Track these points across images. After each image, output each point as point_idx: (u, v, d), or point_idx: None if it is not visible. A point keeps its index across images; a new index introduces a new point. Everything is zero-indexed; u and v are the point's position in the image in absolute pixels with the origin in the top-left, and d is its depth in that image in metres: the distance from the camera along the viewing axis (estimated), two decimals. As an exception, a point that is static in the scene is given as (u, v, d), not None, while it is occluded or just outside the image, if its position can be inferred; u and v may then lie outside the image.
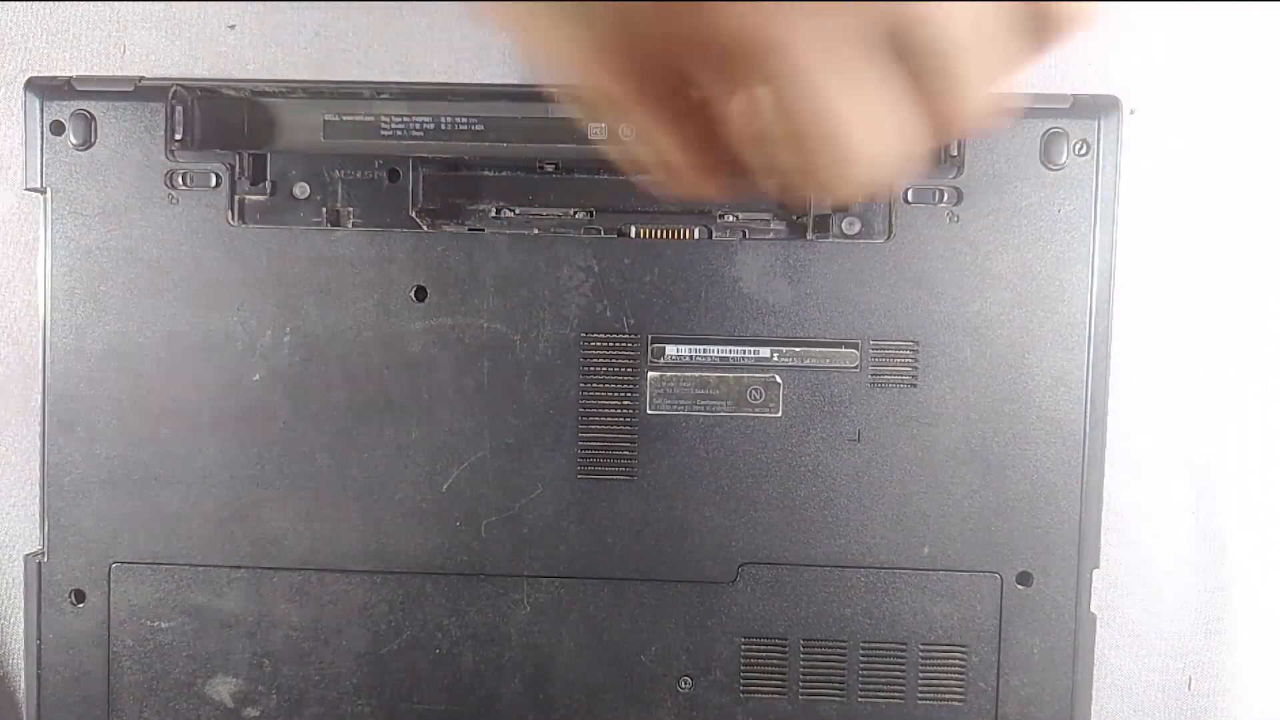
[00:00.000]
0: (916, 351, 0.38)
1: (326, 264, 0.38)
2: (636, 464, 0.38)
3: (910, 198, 0.37)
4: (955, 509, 0.38)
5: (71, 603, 0.39)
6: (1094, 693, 0.38)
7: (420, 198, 0.38)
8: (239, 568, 0.38)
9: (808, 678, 0.38)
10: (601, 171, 0.39)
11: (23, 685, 0.40)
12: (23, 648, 0.39)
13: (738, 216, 0.39)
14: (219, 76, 0.40)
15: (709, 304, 0.38)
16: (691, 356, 0.38)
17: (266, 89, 0.38)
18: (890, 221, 0.37)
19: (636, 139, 0.23)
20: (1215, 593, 0.42)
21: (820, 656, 0.38)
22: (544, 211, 0.39)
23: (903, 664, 0.38)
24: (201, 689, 0.39)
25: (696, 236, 0.38)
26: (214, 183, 0.38)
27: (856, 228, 0.37)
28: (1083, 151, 0.37)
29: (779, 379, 0.38)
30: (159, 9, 0.41)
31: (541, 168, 0.38)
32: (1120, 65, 0.41)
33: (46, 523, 0.38)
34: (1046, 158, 0.37)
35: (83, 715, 0.39)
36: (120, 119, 0.38)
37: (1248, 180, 0.41)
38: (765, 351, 0.38)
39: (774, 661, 0.38)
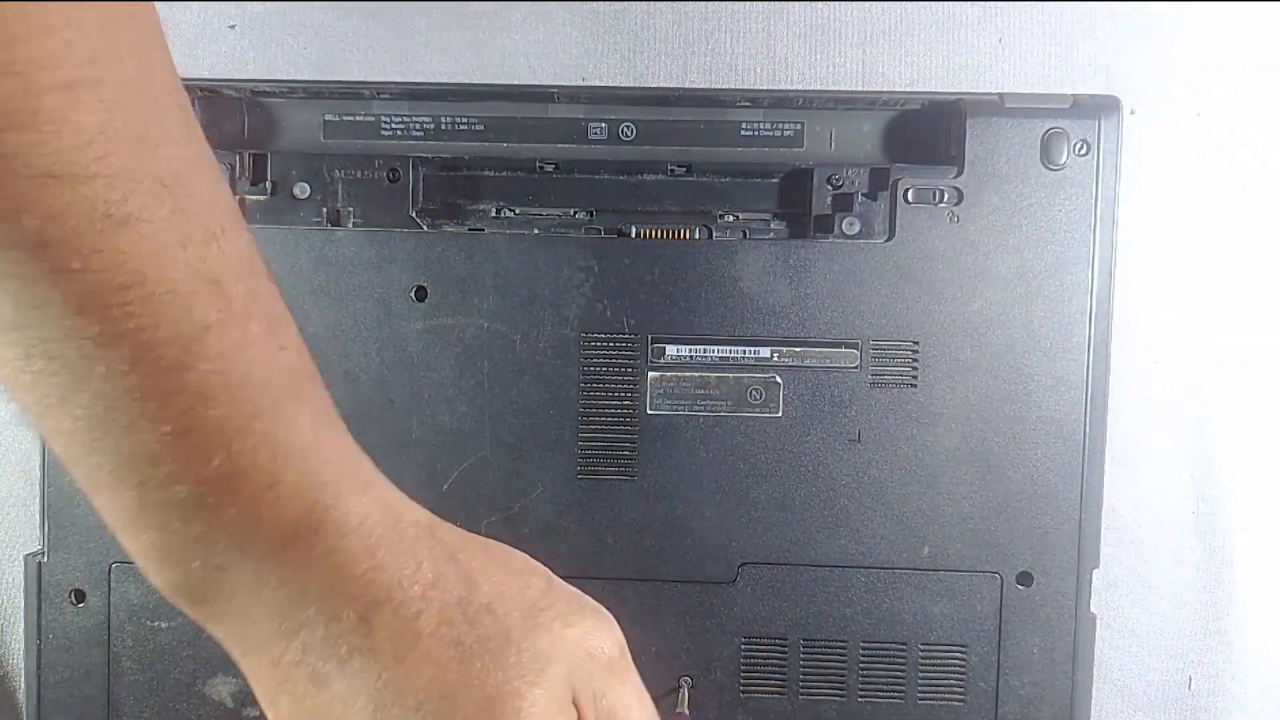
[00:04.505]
0: (916, 351, 0.38)
1: (326, 264, 0.38)
2: (636, 464, 0.38)
3: (910, 198, 0.37)
4: (955, 509, 0.38)
5: (71, 603, 0.38)
6: (1094, 693, 0.38)
7: (420, 198, 0.38)
8: (239, 568, 0.38)
9: (808, 678, 0.38)
10: (601, 171, 0.39)
11: (23, 685, 0.40)
12: (23, 648, 0.39)
13: (738, 217, 0.39)
14: (219, 76, 0.40)
15: (709, 304, 0.38)
16: (691, 356, 0.38)
17: (266, 89, 0.38)
18: (891, 221, 0.37)
19: None
20: (1215, 593, 0.42)
21: (820, 656, 0.38)
22: (544, 211, 0.39)
23: (903, 664, 0.38)
24: (201, 689, 0.39)
25: (696, 236, 0.38)
26: (214, 183, 0.38)
27: (857, 228, 0.37)
28: (1083, 151, 0.37)
29: (779, 379, 0.38)
30: (159, 9, 0.41)
31: (541, 168, 0.38)
32: (1120, 65, 0.41)
33: (46, 523, 0.38)
34: (1046, 158, 0.37)
35: (83, 715, 0.39)
36: (120, 119, 0.37)
37: (1248, 179, 0.41)
38: (765, 351, 0.38)
39: (774, 661, 0.38)
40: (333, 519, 0.23)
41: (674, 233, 0.38)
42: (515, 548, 0.27)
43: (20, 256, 0.20)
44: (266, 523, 0.22)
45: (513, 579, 0.26)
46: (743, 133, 0.39)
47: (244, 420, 0.22)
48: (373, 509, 0.24)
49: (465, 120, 0.39)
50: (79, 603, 0.38)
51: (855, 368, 0.38)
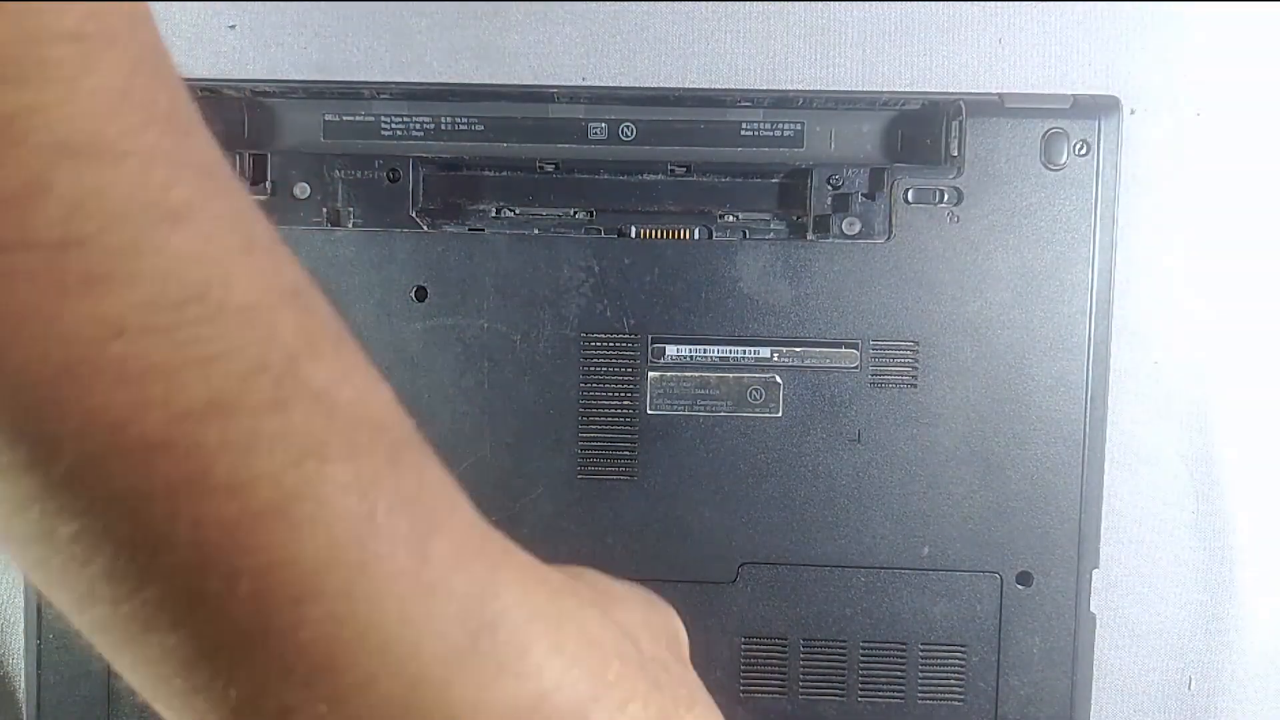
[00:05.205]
0: (916, 351, 0.38)
1: (326, 264, 0.38)
2: (636, 464, 0.38)
3: (910, 198, 0.37)
4: (955, 509, 0.38)
5: (71, 603, 0.38)
6: (1094, 693, 0.38)
7: (420, 198, 0.38)
8: (239, 568, 0.38)
9: (808, 678, 0.38)
10: (601, 171, 0.39)
11: (23, 685, 0.40)
12: (23, 648, 0.39)
13: (738, 216, 0.39)
14: (219, 76, 0.40)
15: (709, 304, 0.38)
16: (691, 356, 0.38)
17: (266, 89, 0.38)
18: (890, 221, 0.37)
19: None
20: (1215, 593, 0.42)
21: (820, 656, 0.38)
22: (544, 211, 0.39)
23: (903, 664, 0.38)
24: (201, 689, 0.39)
25: (696, 236, 0.38)
26: (214, 183, 0.38)
27: (857, 228, 0.37)
28: (1083, 151, 0.37)
29: (779, 379, 0.38)
30: (158, 9, 0.41)
31: (541, 168, 0.38)
32: (1120, 65, 0.41)
33: (46, 523, 0.38)
34: (1046, 158, 0.37)
35: (83, 715, 0.39)
36: (120, 119, 0.37)
37: (1248, 179, 0.41)
38: (765, 351, 0.38)
39: (774, 661, 0.38)
40: None
41: (674, 233, 0.38)
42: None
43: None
44: None
45: None
46: (743, 133, 0.39)
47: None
48: None
49: (465, 120, 0.39)
50: (79, 603, 0.38)
51: (855, 368, 0.38)
